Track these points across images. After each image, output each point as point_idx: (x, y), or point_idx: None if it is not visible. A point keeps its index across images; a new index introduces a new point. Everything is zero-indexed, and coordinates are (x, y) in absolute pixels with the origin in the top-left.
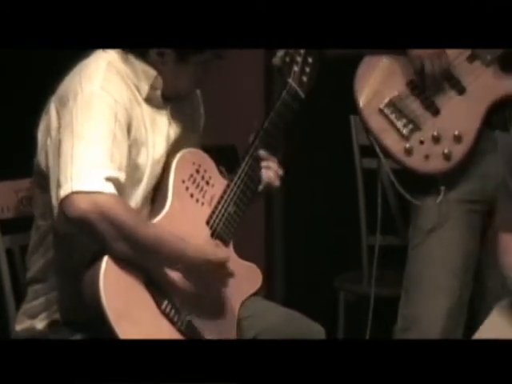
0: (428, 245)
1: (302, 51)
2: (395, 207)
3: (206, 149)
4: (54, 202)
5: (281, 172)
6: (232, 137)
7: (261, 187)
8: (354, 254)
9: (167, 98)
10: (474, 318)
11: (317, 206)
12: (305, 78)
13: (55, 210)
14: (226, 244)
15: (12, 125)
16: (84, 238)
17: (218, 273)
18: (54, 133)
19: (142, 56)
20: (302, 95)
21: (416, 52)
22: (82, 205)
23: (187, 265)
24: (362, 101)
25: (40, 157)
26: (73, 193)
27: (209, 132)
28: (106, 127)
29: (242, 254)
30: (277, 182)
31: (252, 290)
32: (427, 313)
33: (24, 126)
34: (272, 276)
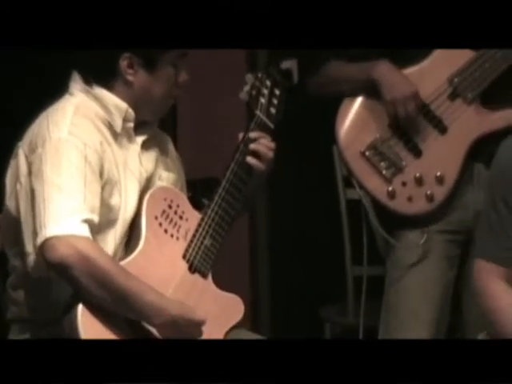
0: (407, 277)
1: (268, 84)
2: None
3: (190, 182)
4: (29, 249)
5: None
6: (215, 170)
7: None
8: (338, 285)
9: (138, 130)
10: None
11: (301, 237)
12: (273, 110)
13: (30, 257)
14: (204, 276)
15: None
16: (63, 281)
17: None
18: (23, 179)
19: (110, 86)
20: (271, 126)
21: (389, 96)
22: (61, 248)
23: (165, 320)
24: (343, 144)
25: (9, 202)
26: (50, 238)
27: (192, 165)
28: (76, 171)
29: (226, 285)
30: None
31: (234, 322)
32: None
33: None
34: (257, 308)
